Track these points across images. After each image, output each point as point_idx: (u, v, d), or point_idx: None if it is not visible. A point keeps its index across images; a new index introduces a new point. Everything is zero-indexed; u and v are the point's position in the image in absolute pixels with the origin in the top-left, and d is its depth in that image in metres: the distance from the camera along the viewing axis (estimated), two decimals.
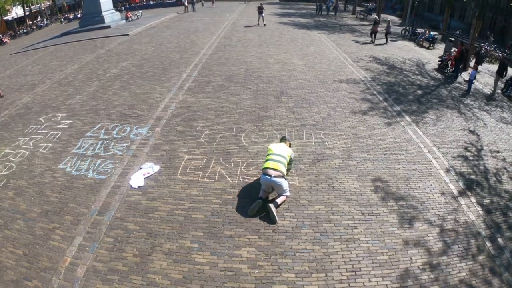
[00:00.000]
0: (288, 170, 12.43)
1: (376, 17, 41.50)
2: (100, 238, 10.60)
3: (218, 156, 14.38)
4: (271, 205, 11.05)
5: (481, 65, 28.27)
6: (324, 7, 60.67)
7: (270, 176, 11.20)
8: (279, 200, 11.40)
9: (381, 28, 38.52)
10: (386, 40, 37.97)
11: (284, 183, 11.42)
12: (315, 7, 64.41)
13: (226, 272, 9.39)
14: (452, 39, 34.78)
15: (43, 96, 21.94)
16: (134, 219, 11.25)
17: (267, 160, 11.67)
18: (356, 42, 36.88)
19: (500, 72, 24.51)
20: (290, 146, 12.85)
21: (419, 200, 12.29)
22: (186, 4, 60.73)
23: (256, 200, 11.44)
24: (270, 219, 11.04)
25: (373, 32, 37.46)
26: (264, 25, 43.83)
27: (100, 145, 15.48)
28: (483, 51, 30.36)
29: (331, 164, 13.98)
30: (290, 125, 16.74)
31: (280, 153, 11.72)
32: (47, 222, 11.35)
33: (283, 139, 12.86)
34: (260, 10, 44.14)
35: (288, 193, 11.70)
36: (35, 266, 9.77)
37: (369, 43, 36.93)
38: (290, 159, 12.20)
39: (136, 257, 9.91)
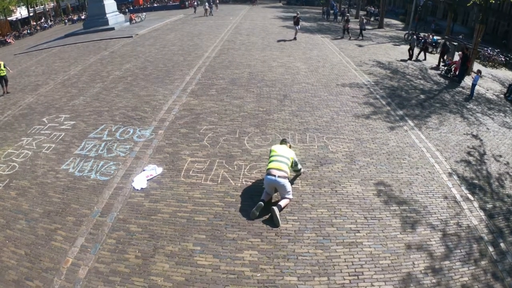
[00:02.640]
0: (296, 171, 12.72)
1: (348, 14, 45.77)
2: (102, 239, 10.61)
3: (221, 159, 14.39)
4: (275, 208, 11.03)
5: (446, 56, 31.16)
6: (331, 12, 59.98)
7: (274, 176, 11.21)
8: (282, 203, 11.37)
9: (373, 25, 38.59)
10: (361, 35, 41.08)
11: (288, 185, 11.42)
12: (321, 11, 64.40)
13: (228, 275, 9.40)
14: (455, 43, 34.78)
15: (46, 96, 22.00)
16: (136, 221, 11.27)
17: (270, 161, 11.70)
18: (359, 46, 36.90)
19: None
20: (290, 147, 12.88)
21: (421, 205, 12.29)
22: (206, 7, 59.14)
23: (257, 203, 11.46)
24: (273, 222, 11.02)
25: (345, 29, 41.34)
26: (295, 39, 37.69)
27: (103, 147, 15.52)
28: (448, 43, 32.36)
29: (334, 168, 13.99)
30: (293, 129, 16.75)
31: (283, 154, 11.83)
32: (49, 222, 11.38)
33: (283, 141, 12.92)
34: (297, 20, 37.71)
35: (291, 196, 11.66)
36: (36, 266, 9.80)
37: (341, 38, 40.76)
38: (293, 161, 12.18)
39: (138, 259, 9.92)
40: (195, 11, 64.79)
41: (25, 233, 11.00)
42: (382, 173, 13.83)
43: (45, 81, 25.42)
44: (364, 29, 41.97)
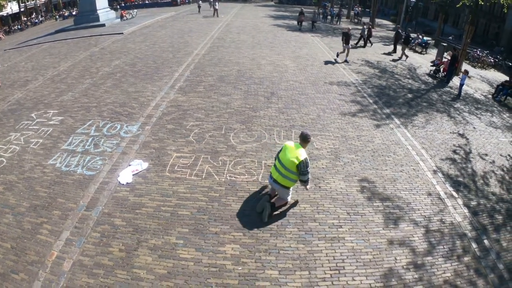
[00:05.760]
0: (302, 181, 11.18)
1: (302, 8, 49.41)
2: (87, 233, 10.66)
3: (206, 154, 14.48)
4: (268, 204, 11.10)
5: (408, 46, 35.84)
6: (328, 13, 59.02)
7: (272, 178, 11.21)
8: (277, 202, 11.43)
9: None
10: (313, 26, 46.94)
11: (284, 193, 11.28)
12: (313, 10, 64.22)
13: (210, 268, 9.50)
14: (445, 44, 35.13)
15: (35, 92, 21.89)
16: (121, 215, 11.34)
17: (273, 166, 11.34)
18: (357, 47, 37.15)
19: (406, 42, 33.16)
20: (306, 145, 11.35)
21: (405, 201, 12.43)
22: (216, 7, 55.93)
23: (263, 196, 11.70)
24: (262, 216, 11.13)
25: (299, 21, 46.07)
26: (346, 61, 29.55)
27: (90, 142, 15.52)
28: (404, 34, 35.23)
29: (318, 164, 14.10)
30: (279, 126, 16.89)
31: (285, 164, 10.77)
32: (35, 216, 11.39)
33: (303, 138, 11.27)
34: (347, 37, 29.74)
35: (288, 199, 11.65)
36: (22, 259, 9.82)
37: (298, 31, 44.27)
38: (299, 167, 10.65)
39: (122, 252, 9.99)
40: (199, 11, 61.29)
41: (12, 227, 11.00)
42: (366, 170, 13.97)
43: (35, 76, 25.26)
44: (316, 21, 47.67)
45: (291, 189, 11.40)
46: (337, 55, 30.56)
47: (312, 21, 46.18)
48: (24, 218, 11.37)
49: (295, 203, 11.91)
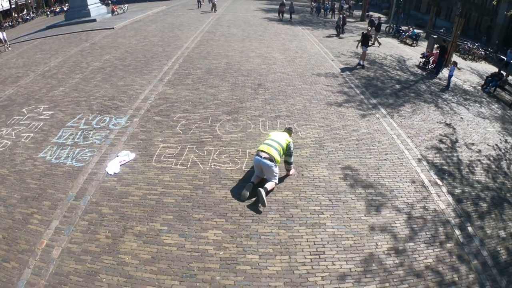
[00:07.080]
0: (288, 163, 12.75)
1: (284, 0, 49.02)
2: (76, 221, 10.88)
3: (192, 144, 14.69)
4: (261, 190, 11.31)
5: (379, 32, 37.79)
6: (322, 10, 57.70)
7: (260, 157, 11.52)
8: (268, 186, 11.67)
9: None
10: (290, 17, 47.73)
11: (273, 168, 11.64)
12: (304, 3, 63.95)
13: (192, 252, 9.74)
14: (435, 36, 35.37)
15: (26, 88, 21.95)
16: (108, 204, 11.56)
17: (261, 143, 12.18)
18: (339, 37, 37.54)
19: (378, 29, 36.55)
20: (290, 135, 12.93)
21: (388, 189, 12.64)
22: (214, 1, 53.69)
23: (247, 184, 11.91)
24: (259, 203, 11.33)
25: (280, 12, 47.56)
26: (362, 66, 26.96)
27: (79, 135, 15.69)
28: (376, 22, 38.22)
29: (301, 153, 14.33)
30: (265, 116, 17.12)
31: (276, 139, 12.04)
32: (26, 207, 11.58)
33: (288, 130, 13.08)
34: (365, 39, 27.46)
35: (276, 180, 11.95)
36: (13, 248, 10.03)
37: (279, 21, 46.43)
38: (288, 147, 12.17)
39: (108, 238, 10.23)
40: (199, 6, 59.04)
41: (3, 218, 11.20)
42: (350, 158, 14.19)
43: (26, 73, 25.29)
44: (293, 12, 48.32)
45: (277, 169, 11.87)
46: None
47: (289, 12, 47.11)
48: (15, 209, 11.55)
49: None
